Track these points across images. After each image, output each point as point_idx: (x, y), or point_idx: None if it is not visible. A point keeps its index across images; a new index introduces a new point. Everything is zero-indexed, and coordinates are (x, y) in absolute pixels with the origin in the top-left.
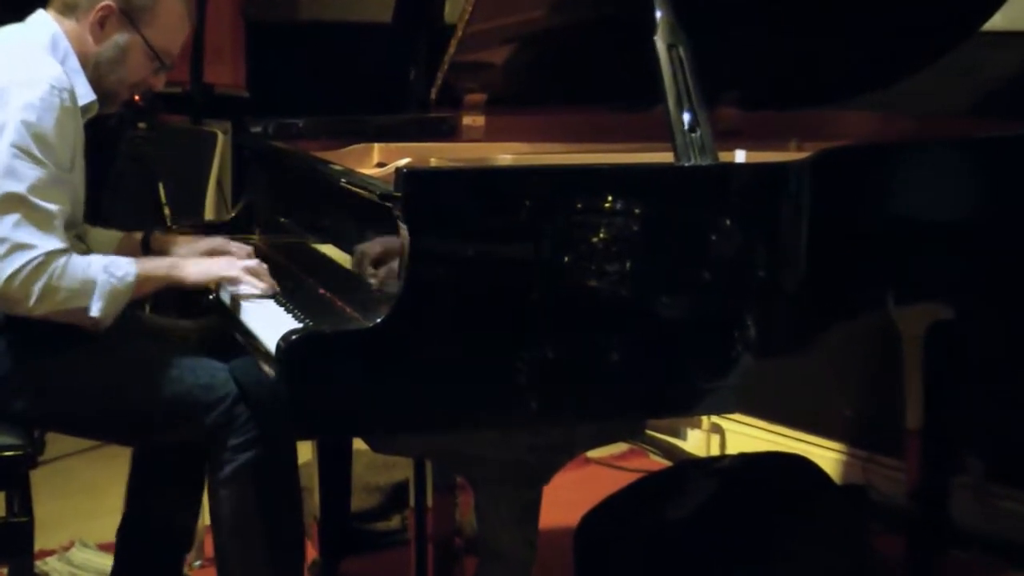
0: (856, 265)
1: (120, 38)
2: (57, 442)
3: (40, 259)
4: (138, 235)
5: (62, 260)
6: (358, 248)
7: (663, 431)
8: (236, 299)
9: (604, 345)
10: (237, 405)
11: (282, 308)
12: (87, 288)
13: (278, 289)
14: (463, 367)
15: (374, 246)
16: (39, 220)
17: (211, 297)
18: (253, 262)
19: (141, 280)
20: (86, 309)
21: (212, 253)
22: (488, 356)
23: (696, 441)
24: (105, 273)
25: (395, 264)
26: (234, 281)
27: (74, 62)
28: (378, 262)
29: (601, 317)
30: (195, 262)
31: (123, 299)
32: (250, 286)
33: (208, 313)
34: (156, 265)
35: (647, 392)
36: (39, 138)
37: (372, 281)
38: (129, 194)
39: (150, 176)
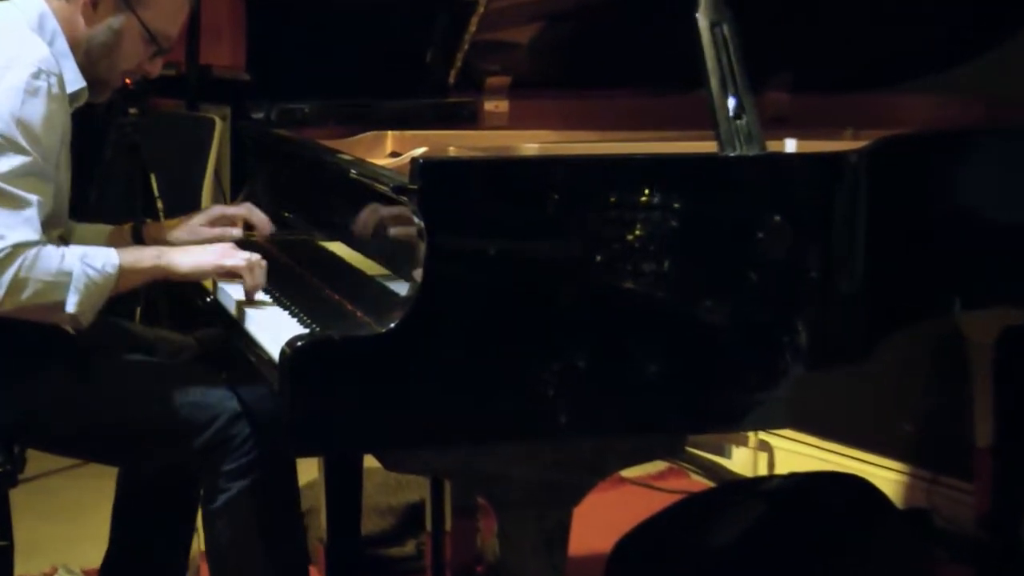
0: (919, 265)
1: (114, 20)
2: (38, 459)
3: (7, 250)
4: (128, 226)
5: (32, 251)
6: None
7: (705, 448)
8: (235, 302)
9: (640, 352)
10: (233, 425)
11: (287, 312)
12: (61, 281)
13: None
14: (485, 376)
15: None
16: (9, 207)
17: (208, 300)
18: (255, 256)
19: (124, 272)
20: (61, 304)
21: (214, 224)
22: (512, 364)
23: (742, 459)
24: (81, 264)
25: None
26: (233, 273)
27: (63, 44)
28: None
29: (636, 322)
30: (185, 251)
31: (103, 293)
32: (251, 281)
33: (205, 323)
34: (140, 255)
35: (687, 405)
36: (24, 126)
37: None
38: (118, 187)
39: (141, 167)
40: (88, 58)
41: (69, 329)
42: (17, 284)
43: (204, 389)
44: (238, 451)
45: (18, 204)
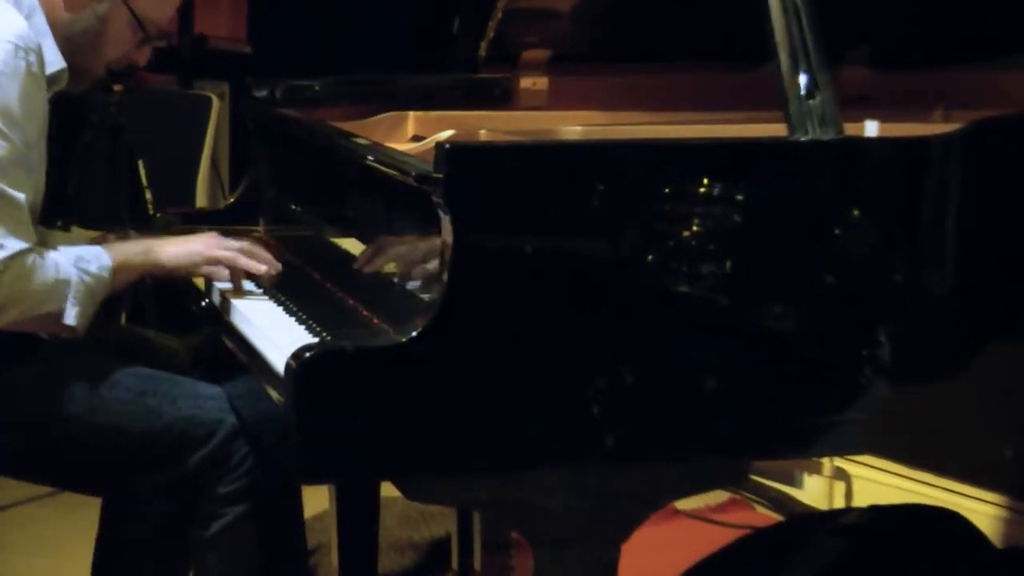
0: (1021, 266)
1: (99, 6)
2: (12, 487)
3: (7, 261)
4: (112, 238)
5: (31, 259)
6: (380, 243)
7: (773, 477)
8: (232, 305)
9: (697, 366)
10: (231, 443)
11: (293, 318)
12: (59, 290)
13: (279, 267)
14: (521, 392)
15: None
16: (5, 212)
17: (203, 304)
18: (248, 243)
19: (117, 269)
20: (59, 315)
21: None
22: (552, 379)
23: (815, 490)
24: (77, 270)
25: (422, 257)
26: (224, 265)
27: (41, 21)
28: (401, 257)
29: (693, 330)
30: (172, 242)
31: (100, 298)
32: (249, 269)
33: (198, 328)
34: (130, 251)
35: (752, 426)
36: (3, 111)
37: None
38: (99, 178)
39: (126, 154)
40: (69, 45)
41: (65, 335)
42: (17, 297)
43: (198, 401)
44: (236, 472)
45: (12, 206)
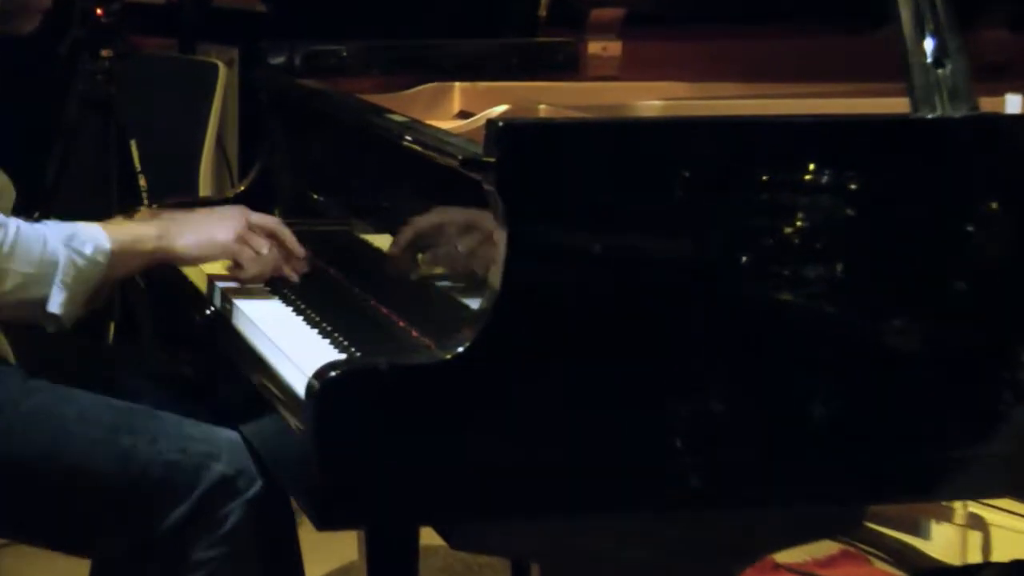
0: None
1: None
2: None
3: None
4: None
5: (12, 230)
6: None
7: (893, 524)
8: (237, 308)
9: (800, 391)
10: (214, 495)
11: (315, 329)
12: (45, 271)
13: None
14: (588, 420)
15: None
16: None
17: (208, 312)
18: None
19: (118, 254)
20: (42, 301)
21: None
22: (624, 405)
23: (944, 541)
24: (67, 249)
25: (465, 242)
26: (250, 259)
27: None
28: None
29: (796, 347)
30: (192, 226)
31: (92, 285)
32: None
33: (200, 344)
34: (137, 233)
35: (868, 463)
36: None
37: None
38: (86, 159)
39: (117, 130)
40: None
41: (47, 328)
42: None
43: (181, 442)
44: (218, 531)
45: None
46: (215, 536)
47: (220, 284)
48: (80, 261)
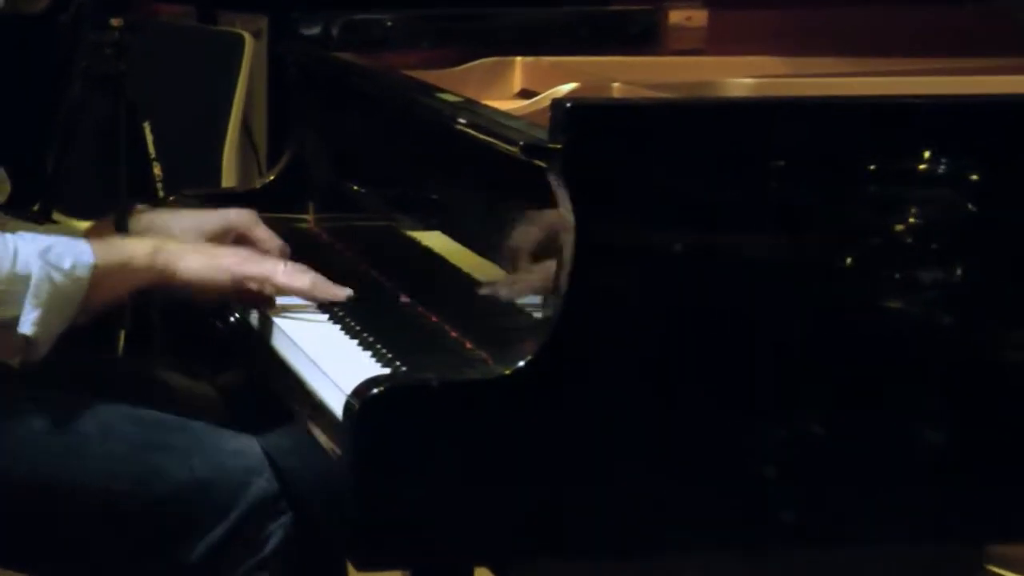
0: None
1: None
2: None
3: None
4: (111, 221)
5: None
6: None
7: (1018, 568)
8: (276, 326)
9: (911, 410)
10: (257, 516)
11: (355, 340)
12: (16, 288)
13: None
14: (668, 444)
15: (523, 235)
16: None
17: (231, 320)
18: (301, 268)
19: (102, 274)
20: (12, 323)
21: (224, 239)
22: (712, 427)
23: None
24: (42, 262)
25: (549, 265)
26: (263, 285)
27: None
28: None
29: (905, 361)
30: (196, 249)
31: (72, 306)
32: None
33: (225, 358)
34: (127, 251)
35: (989, 496)
36: None
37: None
38: (92, 145)
39: (129, 112)
40: None
41: (11, 363)
42: None
43: (219, 457)
44: (260, 553)
45: None
46: (254, 561)
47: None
48: (57, 277)
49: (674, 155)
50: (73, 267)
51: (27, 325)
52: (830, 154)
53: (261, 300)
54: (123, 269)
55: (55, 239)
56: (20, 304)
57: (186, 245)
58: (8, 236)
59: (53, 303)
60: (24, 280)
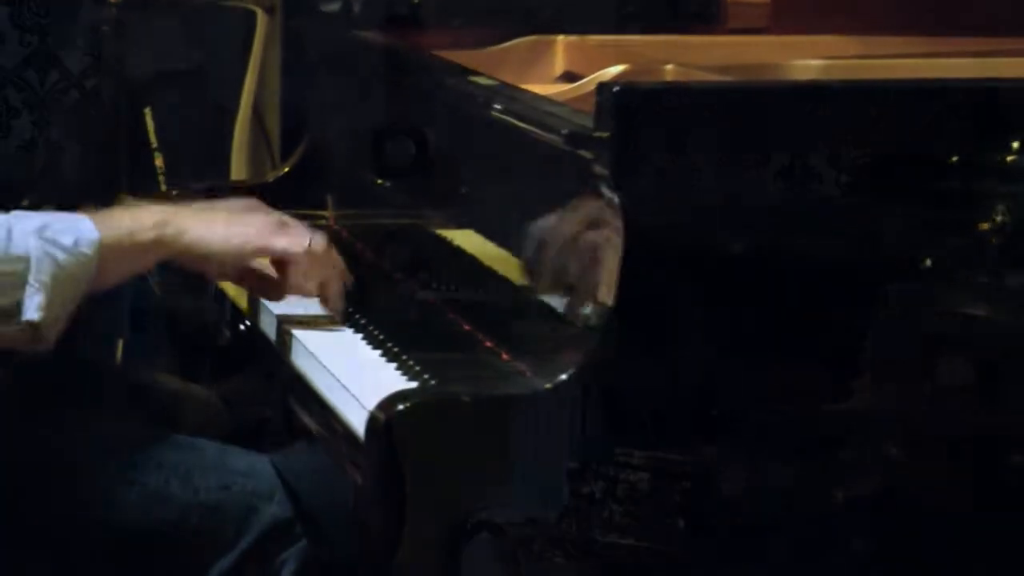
0: None
1: None
2: None
3: None
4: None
5: None
6: (538, 237)
7: None
8: (296, 339)
9: (992, 424)
10: (269, 541)
11: (378, 350)
12: (16, 271)
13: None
14: (724, 470)
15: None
16: None
17: (242, 328)
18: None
19: (108, 249)
20: (15, 308)
21: None
22: (768, 447)
23: None
24: (41, 241)
25: (595, 269)
26: (287, 263)
27: None
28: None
29: (988, 371)
30: (210, 216)
31: (79, 287)
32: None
33: (233, 367)
34: (133, 222)
35: None
36: None
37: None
38: (88, 133)
39: (128, 97)
40: None
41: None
42: None
43: (225, 478)
44: None
45: None
46: None
47: (266, 303)
48: (60, 255)
49: (734, 146)
50: (76, 243)
51: (31, 311)
52: (906, 143)
53: (271, 286)
54: (129, 244)
55: (51, 215)
56: (21, 287)
57: (201, 213)
58: (3, 216)
59: (57, 285)
60: (22, 261)
